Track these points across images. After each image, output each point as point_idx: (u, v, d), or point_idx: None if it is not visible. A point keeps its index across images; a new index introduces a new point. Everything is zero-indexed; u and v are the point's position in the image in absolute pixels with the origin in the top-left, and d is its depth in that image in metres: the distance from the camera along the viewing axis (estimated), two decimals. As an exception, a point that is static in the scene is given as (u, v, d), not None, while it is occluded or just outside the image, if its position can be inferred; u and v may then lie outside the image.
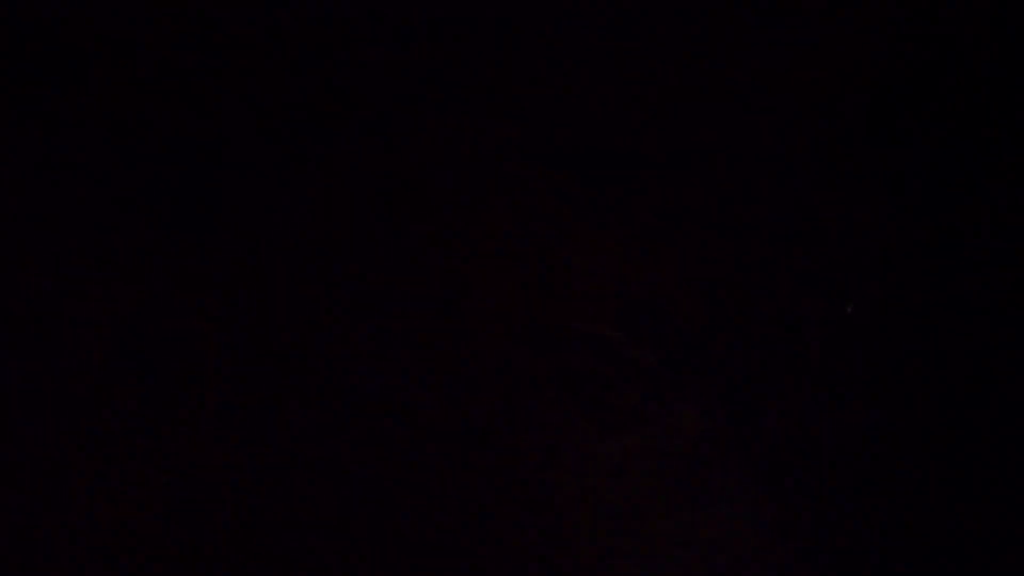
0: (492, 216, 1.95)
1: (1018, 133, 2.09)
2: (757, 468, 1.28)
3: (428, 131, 2.04)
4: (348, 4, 2.14)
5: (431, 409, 1.90)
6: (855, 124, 2.20)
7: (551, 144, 1.87)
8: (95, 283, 2.10)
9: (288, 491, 2.01)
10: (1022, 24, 2.07)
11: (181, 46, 2.18)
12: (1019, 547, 1.91)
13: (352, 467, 1.98)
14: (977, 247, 2.11)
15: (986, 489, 1.99)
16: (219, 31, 2.17)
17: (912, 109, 2.17)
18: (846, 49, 2.17)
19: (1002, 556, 1.92)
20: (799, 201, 2.18)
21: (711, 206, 1.94)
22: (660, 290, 1.41)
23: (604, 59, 2.13)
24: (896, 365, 2.09)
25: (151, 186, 2.12)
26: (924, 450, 2.04)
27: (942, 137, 2.15)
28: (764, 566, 1.26)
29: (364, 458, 1.95)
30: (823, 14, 2.15)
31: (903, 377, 2.08)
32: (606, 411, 1.26)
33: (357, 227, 2.06)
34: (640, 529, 1.21)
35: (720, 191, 2.08)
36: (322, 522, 1.99)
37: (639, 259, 1.55)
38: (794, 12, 2.16)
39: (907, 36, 2.16)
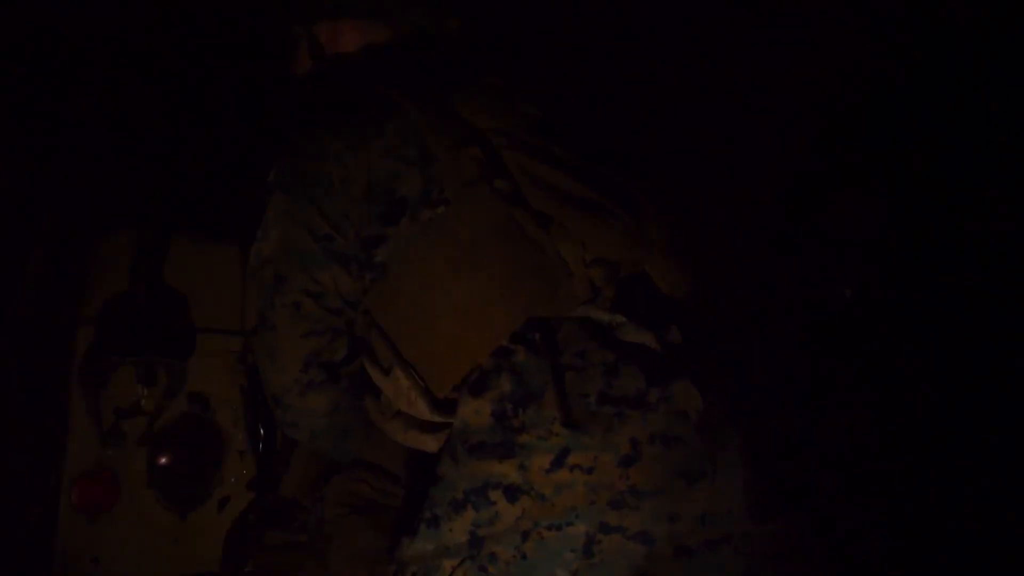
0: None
1: (1018, 133, 2.09)
2: (757, 467, 1.28)
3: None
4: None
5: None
6: (855, 124, 2.20)
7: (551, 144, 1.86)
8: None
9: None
10: (1022, 24, 2.07)
11: (181, 46, 2.17)
12: (1019, 547, 1.91)
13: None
14: (977, 246, 2.11)
15: (986, 489, 1.99)
16: (219, 31, 2.17)
17: (912, 109, 2.17)
18: (846, 49, 2.17)
19: (1002, 556, 1.92)
20: (799, 201, 2.18)
21: (711, 206, 1.94)
22: (660, 289, 1.41)
23: (604, 59, 2.13)
24: (895, 363, 2.08)
25: (151, 186, 2.11)
26: (923, 449, 2.04)
27: (942, 137, 2.14)
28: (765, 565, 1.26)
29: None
30: (823, 14, 2.15)
31: (902, 375, 2.08)
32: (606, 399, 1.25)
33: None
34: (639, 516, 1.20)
35: (720, 191, 2.08)
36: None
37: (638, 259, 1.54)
38: (794, 12, 2.16)
39: (907, 36, 2.16)
